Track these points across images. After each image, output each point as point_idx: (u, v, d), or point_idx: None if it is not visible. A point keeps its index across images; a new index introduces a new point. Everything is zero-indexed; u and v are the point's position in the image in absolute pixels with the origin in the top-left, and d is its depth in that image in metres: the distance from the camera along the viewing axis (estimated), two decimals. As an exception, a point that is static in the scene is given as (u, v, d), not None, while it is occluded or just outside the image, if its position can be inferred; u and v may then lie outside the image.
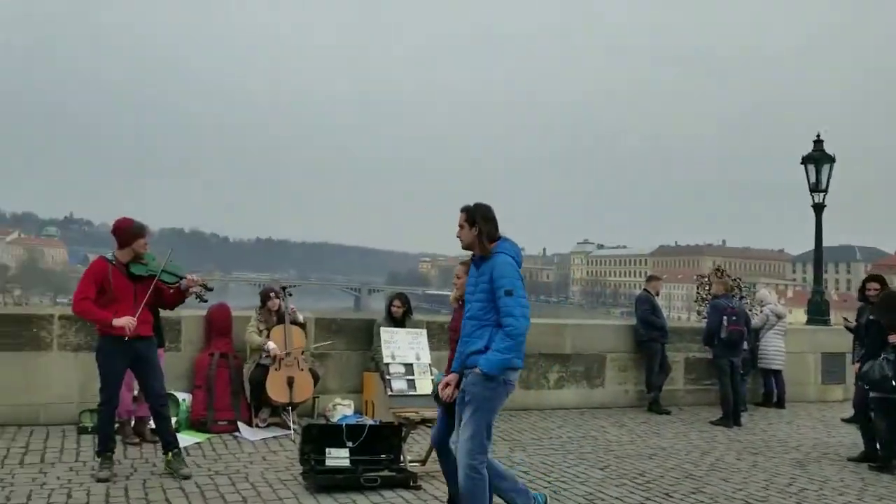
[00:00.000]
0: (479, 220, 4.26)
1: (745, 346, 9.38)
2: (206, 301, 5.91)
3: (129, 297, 5.18)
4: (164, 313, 6.23)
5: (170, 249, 5.65)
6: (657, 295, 9.83)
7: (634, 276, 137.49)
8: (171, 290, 5.45)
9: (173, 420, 6.49)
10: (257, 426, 6.84)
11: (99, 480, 5.02)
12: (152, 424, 6.10)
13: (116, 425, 5.90)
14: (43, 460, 5.50)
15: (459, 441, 4.21)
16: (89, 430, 6.27)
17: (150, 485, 5.08)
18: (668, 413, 9.15)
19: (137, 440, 6.09)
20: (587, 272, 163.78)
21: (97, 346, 5.29)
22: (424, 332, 6.70)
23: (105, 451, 5.22)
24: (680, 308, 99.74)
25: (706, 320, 9.19)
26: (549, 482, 5.76)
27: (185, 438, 6.33)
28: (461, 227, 4.32)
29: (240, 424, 6.74)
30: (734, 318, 8.83)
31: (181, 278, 5.39)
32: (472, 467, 4.12)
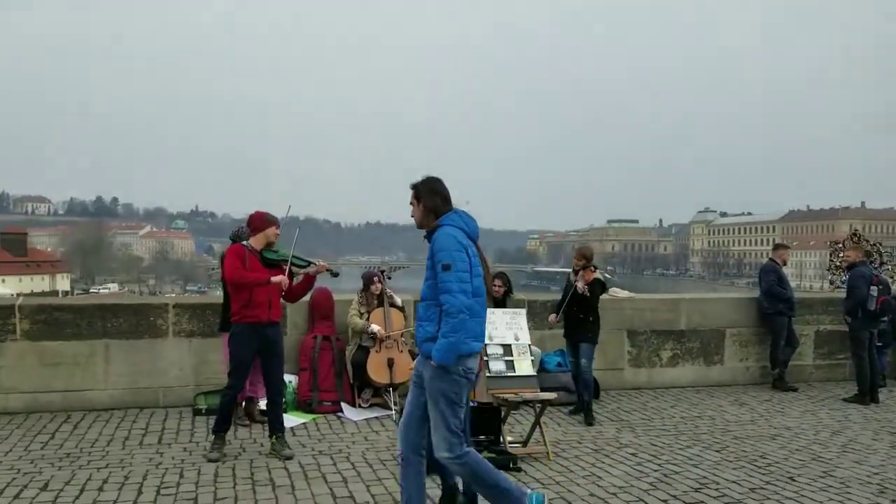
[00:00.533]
0: (424, 195, 3.95)
1: (885, 316, 8.56)
2: (337, 275, 6.24)
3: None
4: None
5: (297, 228, 5.89)
6: (784, 264, 9.12)
7: (761, 244, 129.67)
8: (300, 277, 5.66)
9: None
10: (360, 406, 6.93)
11: (209, 461, 5.23)
12: (261, 405, 6.33)
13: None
14: (160, 441, 5.80)
15: (432, 438, 3.87)
16: (203, 411, 6.58)
17: (256, 465, 5.23)
18: (794, 390, 8.50)
19: (248, 422, 6.32)
20: (709, 242, 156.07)
21: (232, 331, 5.53)
22: (524, 311, 6.51)
23: (219, 430, 5.45)
24: (812, 277, 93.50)
25: (845, 290, 8.41)
26: (658, 465, 5.45)
27: (292, 419, 6.51)
28: (411, 205, 4.01)
29: (343, 405, 6.85)
30: (880, 287, 8.11)
31: (310, 263, 5.61)
32: (453, 459, 3.82)
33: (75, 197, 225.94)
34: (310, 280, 5.70)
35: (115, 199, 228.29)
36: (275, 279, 5.36)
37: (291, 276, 5.64)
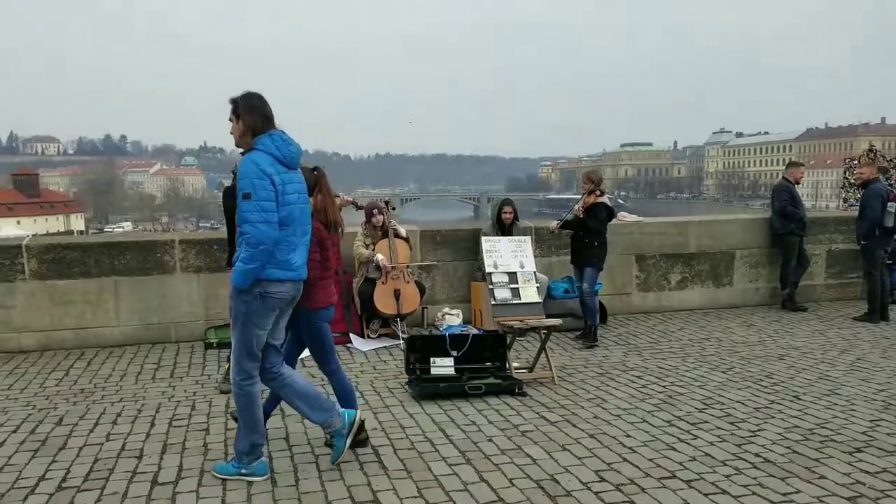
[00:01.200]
0: (243, 112, 3.69)
1: None
2: (361, 208, 6.51)
3: None
4: None
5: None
6: (797, 183, 8.92)
7: (777, 164, 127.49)
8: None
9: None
10: (368, 337, 7.01)
11: (221, 392, 5.33)
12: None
13: None
14: (172, 375, 5.91)
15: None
16: (214, 345, 6.67)
17: (266, 395, 5.31)
18: (804, 310, 8.48)
19: None
20: (724, 164, 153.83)
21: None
22: (529, 238, 6.46)
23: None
24: (829, 196, 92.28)
25: (860, 208, 8.21)
26: (663, 387, 5.50)
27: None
28: (230, 121, 3.74)
29: (351, 336, 6.92)
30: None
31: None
32: (237, 384, 3.79)
33: (84, 136, 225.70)
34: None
35: (123, 137, 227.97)
36: None
37: None
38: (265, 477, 3.84)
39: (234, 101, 3.74)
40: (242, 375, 3.80)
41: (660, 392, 5.37)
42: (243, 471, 3.85)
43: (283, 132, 3.77)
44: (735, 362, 6.24)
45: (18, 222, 71.54)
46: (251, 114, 3.69)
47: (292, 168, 3.77)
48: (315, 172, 4.24)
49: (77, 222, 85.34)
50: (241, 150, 3.77)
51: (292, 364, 4.40)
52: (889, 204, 7.85)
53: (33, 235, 8.42)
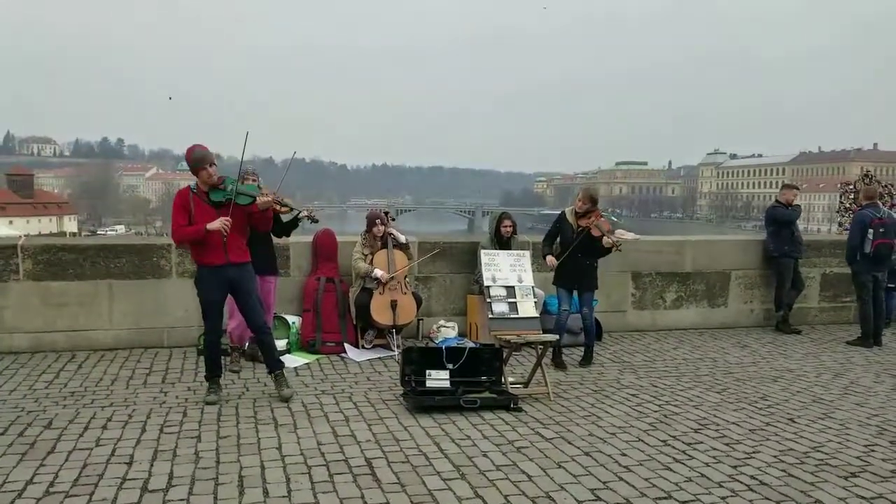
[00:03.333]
0: None
1: (894, 257, 8.43)
2: (316, 222, 6.34)
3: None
4: (274, 241, 6.42)
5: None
6: (789, 205, 8.96)
7: (770, 186, 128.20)
8: (255, 211, 5.25)
9: (284, 342, 6.77)
10: (363, 347, 6.97)
11: (207, 403, 5.23)
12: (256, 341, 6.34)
13: (228, 347, 6.18)
14: (164, 381, 5.85)
15: None
16: (207, 351, 6.60)
17: (259, 404, 5.28)
18: (798, 332, 8.50)
19: (238, 368, 6.23)
20: (717, 185, 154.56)
21: (195, 276, 5.39)
22: (527, 253, 6.46)
23: (212, 376, 5.40)
24: (821, 220, 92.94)
25: (847, 233, 8.28)
26: (659, 406, 5.48)
27: (296, 359, 6.56)
28: None
29: (346, 346, 6.89)
30: (881, 229, 7.90)
31: (254, 198, 5.23)
32: None
33: (81, 138, 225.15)
34: (264, 215, 5.32)
35: (120, 140, 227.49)
36: (210, 226, 5.03)
37: (247, 216, 5.26)
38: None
39: None
40: None
41: (655, 411, 5.35)
42: None
43: None
44: (730, 383, 6.23)
45: (11, 222, 71.02)
46: None
47: None
48: None
49: (70, 224, 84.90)
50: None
51: None
52: (869, 230, 7.88)
53: (27, 236, 8.36)
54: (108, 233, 77.63)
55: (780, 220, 8.65)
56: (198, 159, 5.13)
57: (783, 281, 8.65)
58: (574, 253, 6.51)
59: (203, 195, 5.20)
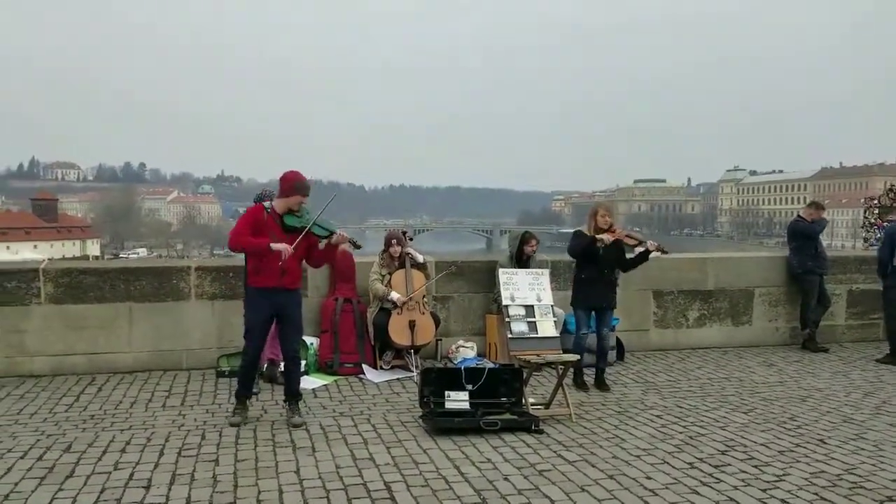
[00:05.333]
0: None
1: None
2: (360, 247, 6.17)
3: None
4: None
5: (333, 194, 5.71)
6: (812, 223, 8.80)
7: (792, 203, 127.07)
8: (322, 246, 5.40)
9: (302, 364, 6.71)
10: (381, 368, 6.91)
11: (231, 425, 5.22)
12: (283, 368, 6.32)
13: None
14: (183, 403, 5.83)
15: None
16: (226, 373, 6.59)
17: (277, 427, 5.23)
18: (825, 351, 8.31)
19: (257, 390, 6.16)
20: (738, 201, 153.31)
21: (245, 295, 5.47)
22: (546, 272, 6.41)
23: (241, 395, 5.42)
24: (844, 236, 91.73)
25: (876, 247, 8.13)
26: (684, 427, 5.35)
27: (314, 381, 6.52)
28: None
29: (364, 367, 6.83)
30: None
31: (332, 233, 5.34)
32: None
33: (104, 163, 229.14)
34: (332, 248, 5.48)
35: (142, 165, 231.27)
36: (275, 246, 5.08)
37: (316, 240, 5.38)
38: None
39: None
40: None
41: (680, 432, 5.23)
42: None
43: None
44: (757, 403, 6.08)
45: (35, 246, 72.26)
46: None
47: None
48: None
49: (93, 247, 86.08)
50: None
51: None
52: None
53: (50, 259, 8.44)
54: (130, 256, 78.56)
55: (804, 234, 8.51)
56: (300, 188, 5.22)
57: (808, 298, 8.48)
58: (602, 268, 6.30)
59: (277, 217, 5.26)
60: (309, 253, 5.44)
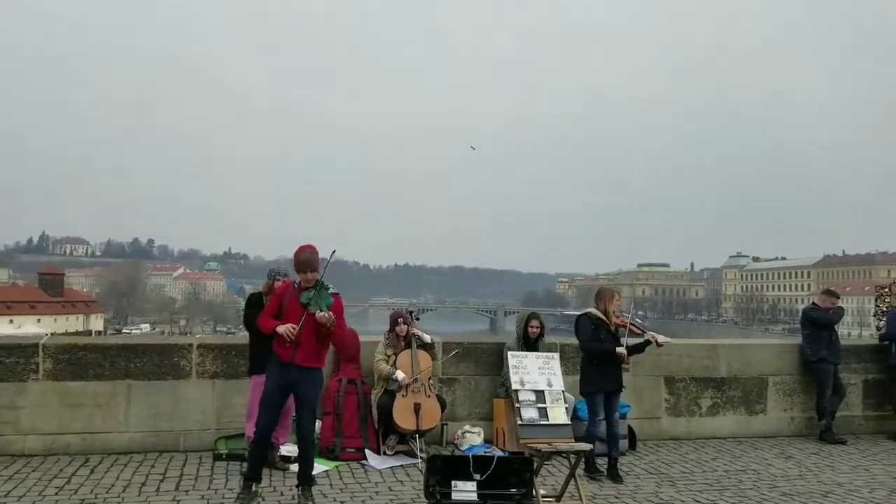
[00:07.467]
0: None
1: None
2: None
3: (296, 321, 5.20)
4: None
5: (333, 250, 5.67)
6: (830, 310, 8.67)
7: (795, 289, 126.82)
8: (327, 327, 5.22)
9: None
10: (385, 454, 6.66)
11: None
12: (281, 451, 6.11)
13: (246, 451, 5.93)
14: (178, 488, 5.59)
15: None
16: (224, 456, 6.37)
17: None
18: (843, 443, 8.03)
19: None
20: (742, 287, 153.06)
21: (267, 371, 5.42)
22: (557, 355, 6.24)
23: (249, 478, 5.21)
24: (850, 324, 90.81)
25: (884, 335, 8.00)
26: (702, 523, 5.09)
27: (315, 466, 6.24)
28: None
29: (367, 452, 6.59)
30: None
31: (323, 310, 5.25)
32: None
33: (113, 238, 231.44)
34: (325, 328, 5.25)
35: (150, 241, 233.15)
36: (279, 329, 5.15)
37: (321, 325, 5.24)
38: None
39: None
40: None
41: (698, 529, 4.97)
42: None
43: None
44: (776, 498, 5.81)
45: (39, 320, 72.01)
46: None
47: None
48: None
49: (97, 322, 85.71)
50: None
51: None
52: None
53: (52, 334, 8.33)
54: (133, 331, 78.13)
55: (819, 323, 8.37)
56: (302, 262, 5.27)
57: (824, 387, 8.27)
58: (614, 355, 6.26)
59: (298, 293, 5.29)
60: (320, 330, 5.28)
